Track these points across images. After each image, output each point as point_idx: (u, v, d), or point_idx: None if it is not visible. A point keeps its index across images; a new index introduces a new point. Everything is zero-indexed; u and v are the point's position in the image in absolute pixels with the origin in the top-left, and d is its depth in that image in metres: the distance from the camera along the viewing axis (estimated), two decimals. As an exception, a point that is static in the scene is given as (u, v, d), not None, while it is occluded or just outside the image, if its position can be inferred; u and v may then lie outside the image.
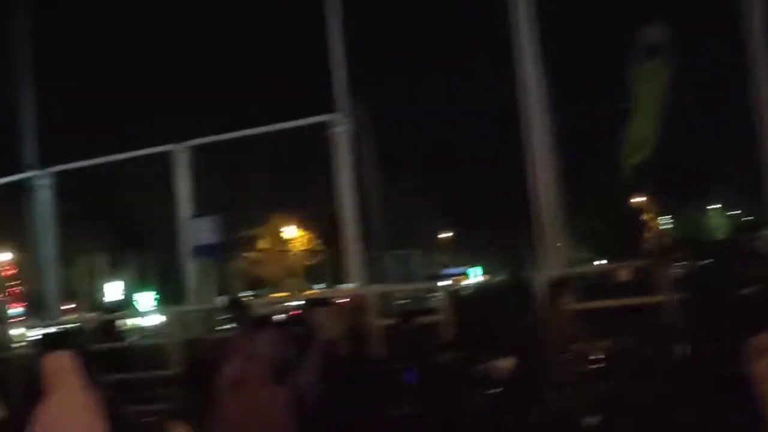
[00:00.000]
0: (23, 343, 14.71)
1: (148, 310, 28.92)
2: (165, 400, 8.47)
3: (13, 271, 31.78)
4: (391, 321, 7.96)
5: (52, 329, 10.63)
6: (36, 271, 15.39)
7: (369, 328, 6.96)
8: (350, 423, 5.16)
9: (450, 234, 47.39)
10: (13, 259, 31.56)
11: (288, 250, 39.47)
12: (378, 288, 10.32)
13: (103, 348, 9.62)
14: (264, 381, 5.18)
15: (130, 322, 16.88)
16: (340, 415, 5.22)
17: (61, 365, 5.90)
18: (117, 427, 5.91)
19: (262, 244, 38.01)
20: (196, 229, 11.10)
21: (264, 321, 6.55)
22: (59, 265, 12.76)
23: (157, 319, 19.07)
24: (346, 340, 6.38)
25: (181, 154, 11.22)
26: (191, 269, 11.37)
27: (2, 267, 35.82)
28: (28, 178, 12.56)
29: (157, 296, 34.68)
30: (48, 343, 8.14)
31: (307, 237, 39.77)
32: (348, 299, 9.45)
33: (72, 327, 11.57)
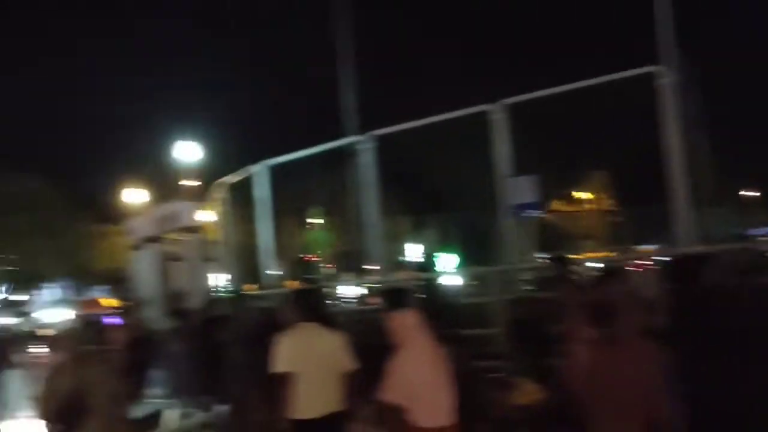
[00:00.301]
0: (346, 300, 15.66)
1: (449, 271, 29.70)
2: (497, 358, 8.61)
3: (328, 234, 34.19)
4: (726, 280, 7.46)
5: (392, 287, 11.14)
6: (354, 232, 16.32)
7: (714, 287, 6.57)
8: (726, 379, 4.95)
9: (755, 193, 44.28)
10: (328, 222, 33.88)
11: (591, 210, 38.84)
12: (695, 248, 9.65)
13: (435, 306, 9.91)
14: (633, 337, 5.06)
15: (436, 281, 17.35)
16: (710, 372, 5.02)
17: (408, 322, 6.21)
18: (466, 382, 6.09)
19: (569, 203, 37.72)
20: (515, 188, 11.12)
21: (612, 275, 6.35)
22: (377, 227, 13.26)
23: (458, 279, 19.49)
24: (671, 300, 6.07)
25: (498, 113, 11.22)
26: (508, 228, 11.41)
27: (311, 229, 38.68)
28: (351, 143, 13.21)
29: (460, 256, 35.49)
30: (392, 300, 8.54)
31: (606, 197, 38.86)
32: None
33: (408, 285, 12.07)
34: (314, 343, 6.94)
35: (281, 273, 15.33)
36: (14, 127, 56.86)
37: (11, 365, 9.04)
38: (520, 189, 11.12)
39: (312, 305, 7.35)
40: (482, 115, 11.55)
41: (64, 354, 8.55)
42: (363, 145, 12.64)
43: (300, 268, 32.95)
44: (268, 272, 14.91)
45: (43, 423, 7.86)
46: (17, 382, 8.85)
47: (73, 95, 59.38)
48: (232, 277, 16.98)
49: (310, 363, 6.80)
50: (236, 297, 10.88)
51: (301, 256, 34.71)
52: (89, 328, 7.06)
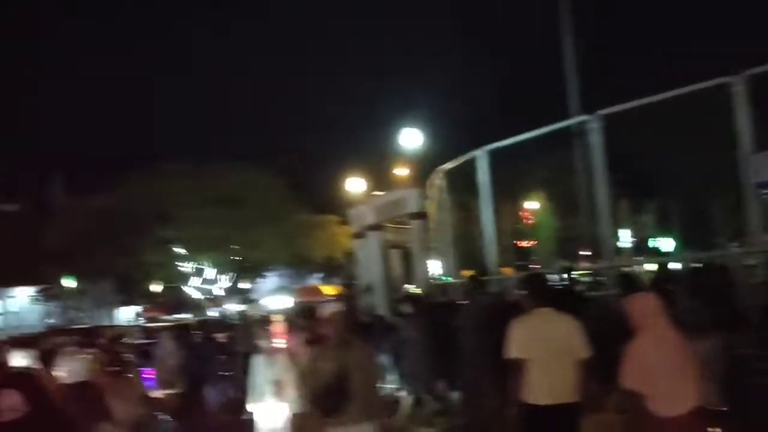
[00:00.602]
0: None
1: (672, 255, 28.64)
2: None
3: (549, 218, 33.76)
4: None
5: (625, 272, 10.86)
6: (580, 216, 16.00)
7: None
8: None
9: None
10: (547, 206, 33.44)
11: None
12: None
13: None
14: None
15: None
16: None
17: (648, 306, 6.07)
18: (734, 371, 5.86)
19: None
20: (758, 166, 10.44)
21: None
22: (605, 210, 12.82)
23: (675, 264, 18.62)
24: None
25: (739, 85, 10.56)
26: (749, 208, 10.76)
27: (525, 215, 38.33)
28: (578, 123, 12.94)
29: (677, 240, 34.05)
30: (627, 284, 8.33)
31: None
32: None
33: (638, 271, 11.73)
34: (547, 328, 6.85)
35: (499, 259, 15.21)
36: (239, 121, 60.57)
37: (257, 350, 9.50)
38: (764, 166, 10.41)
39: (544, 290, 7.26)
40: (712, 90, 10.92)
41: (307, 338, 8.96)
42: (591, 124, 12.25)
43: (516, 253, 32.74)
44: (489, 258, 14.89)
45: (298, 406, 8.28)
46: (262, 367, 9.28)
47: (296, 89, 62.31)
48: (449, 263, 17.11)
49: (543, 349, 6.73)
50: (469, 283, 10.89)
51: (516, 241, 34.44)
52: (344, 314, 7.25)
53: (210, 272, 45.24)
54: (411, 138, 18.19)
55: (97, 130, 62.02)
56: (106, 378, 6.99)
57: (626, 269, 11.65)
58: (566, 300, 8.04)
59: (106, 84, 71.51)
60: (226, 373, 15.28)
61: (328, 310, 7.00)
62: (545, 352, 6.71)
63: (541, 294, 7.10)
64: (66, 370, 5.73)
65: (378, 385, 7.09)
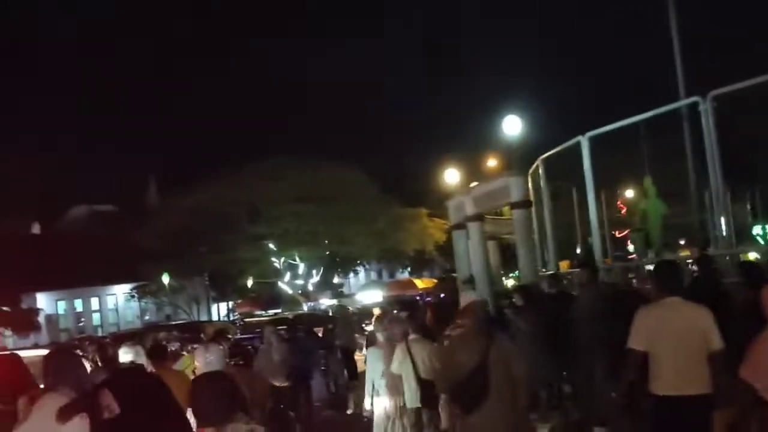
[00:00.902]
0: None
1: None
2: None
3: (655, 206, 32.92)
4: None
5: (750, 261, 10.57)
6: (689, 203, 15.62)
7: None
8: None
9: None
10: (634, 197, 32.68)
11: None
12: None
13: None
14: None
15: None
16: None
17: None
18: None
19: None
20: None
21: None
22: (720, 197, 12.40)
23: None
24: None
25: None
26: None
27: (621, 204, 37.50)
28: (688, 105, 12.63)
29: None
30: (753, 272, 8.07)
31: None
32: None
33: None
34: (675, 319, 6.55)
35: (596, 249, 14.83)
36: (330, 118, 61.43)
37: (372, 343, 9.53)
38: None
39: (674, 279, 6.99)
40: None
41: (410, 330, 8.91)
42: (702, 106, 11.86)
43: (614, 243, 32.06)
44: (594, 248, 14.61)
45: (410, 399, 8.25)
46: (375, 360, 9.31)
47: (378, 87, 63.05)
48: (547, 253, 16.85)
49: (670, 340, 6.46)
50: (582, 273, 10.64)
51: (614, 231, 33.70)
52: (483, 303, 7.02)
53: (301, 267, 45.69)
54: (513, 125, 17.93)
55: (188, 131, 63.62)
56: (233, 371, 7.12)
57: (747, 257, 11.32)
58: (699, 290, 7.79)
59: (197, 85, 73.27)
60: (324, 368, 15.51)
61: (465, 299, 6.83)
62: (673, 343, 6.44)
63: (670, 282, 6.83)
64: (202, 362, 5.84)
65: (524, 381, 6.72)
